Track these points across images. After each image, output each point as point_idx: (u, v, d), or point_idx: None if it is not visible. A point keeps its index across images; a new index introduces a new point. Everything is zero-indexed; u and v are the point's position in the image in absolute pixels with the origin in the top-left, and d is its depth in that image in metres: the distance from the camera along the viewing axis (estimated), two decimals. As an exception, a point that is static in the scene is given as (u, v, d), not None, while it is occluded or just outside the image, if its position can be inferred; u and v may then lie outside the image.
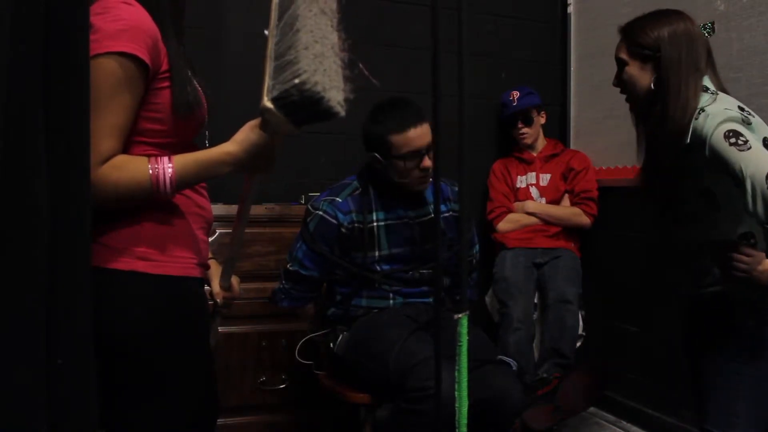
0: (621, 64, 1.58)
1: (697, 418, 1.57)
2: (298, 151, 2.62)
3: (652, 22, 1.53)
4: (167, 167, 1.05)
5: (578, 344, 2.59)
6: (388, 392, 1.78)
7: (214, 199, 1.38)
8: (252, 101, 1.08)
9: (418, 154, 1.87)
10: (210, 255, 1.31)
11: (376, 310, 1.96)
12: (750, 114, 1.44)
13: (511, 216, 2.79)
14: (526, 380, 2.40)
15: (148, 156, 1.07)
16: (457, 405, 0.81)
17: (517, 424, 2.19)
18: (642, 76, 1.54)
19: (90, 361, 0.81)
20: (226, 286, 1.39)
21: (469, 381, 0.80)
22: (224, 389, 1.83)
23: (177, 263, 1.12)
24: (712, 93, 1.48)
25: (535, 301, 2.64)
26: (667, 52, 1.49)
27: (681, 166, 1.48)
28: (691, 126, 1.43)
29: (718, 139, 1.37)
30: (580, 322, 2.60)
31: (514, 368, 2.07)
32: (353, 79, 1.03)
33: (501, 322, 2.57)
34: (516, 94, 2.82)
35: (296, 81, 0.95)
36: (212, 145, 1.09)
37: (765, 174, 1.31)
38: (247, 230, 1.29)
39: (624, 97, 1.63)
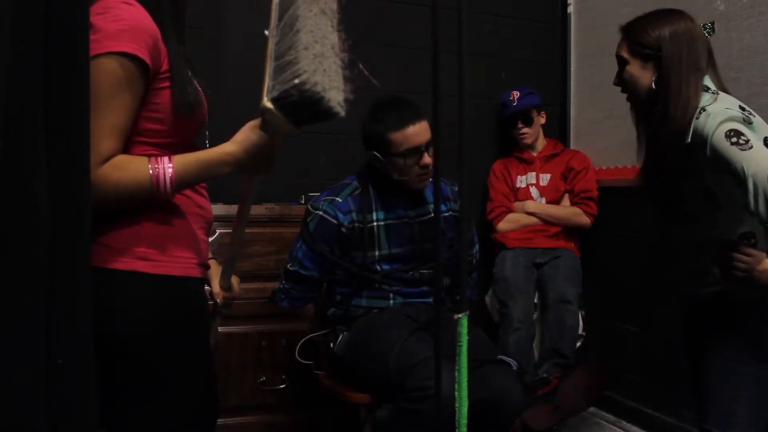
0: (622, 63, 1.58)
1: (697, 418, 1.56)
2: (298, 151, 2.62)
3: (654, 22, 1.53)
4: (167, 167, 1.05)
5: (578, 344, 2.59)
6: (388, 392, 1.78)
7: (214, 199, 1.38)
8: (252, 101, 1.08)
9: (417, 150, 1.87)
10: (210, 255, 1.31)
11: (376, 310, 1.96)
12: (751, 114, 1.44)
13: (511, 216, 2.79)
14: (526, 380, 2.40)
15: (149, 156, 1.07)
16: (457, 405, 0.81)
17: (517, 424, 2.19)
18: (643, 76, 1.54)
19: (90, 361, 0.81)
20: (226, 286, 1.39)
21: (469, 381, 0.80)
22: (224, 389, 1.83)
23: (177, 263, 1.12)
24: (713, 93, 1.48)
25: (535, 301, 2.64)
26: (668, 51, 1.50)
27: (681, 166, 1.48)
28: (692, 125, 1.43)
29: (719, 138, 1.37)
30: (580, 322, 2.60)
31: (514, 368, 2.07)
32: (353, 79, 1.02)
33: (501, 322, 2.57)
34: (516, 94, 2.82)
35: (296, 81, 0.95)
36: (212, 145, 1.09)
37: (767, 173, 1.31)
38: (247, 230, 1.29)
39: (624, 96, 1.63)
